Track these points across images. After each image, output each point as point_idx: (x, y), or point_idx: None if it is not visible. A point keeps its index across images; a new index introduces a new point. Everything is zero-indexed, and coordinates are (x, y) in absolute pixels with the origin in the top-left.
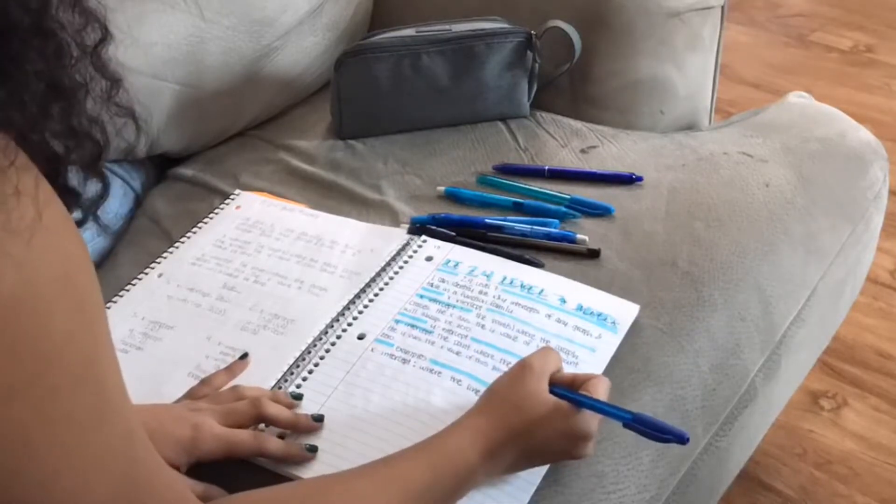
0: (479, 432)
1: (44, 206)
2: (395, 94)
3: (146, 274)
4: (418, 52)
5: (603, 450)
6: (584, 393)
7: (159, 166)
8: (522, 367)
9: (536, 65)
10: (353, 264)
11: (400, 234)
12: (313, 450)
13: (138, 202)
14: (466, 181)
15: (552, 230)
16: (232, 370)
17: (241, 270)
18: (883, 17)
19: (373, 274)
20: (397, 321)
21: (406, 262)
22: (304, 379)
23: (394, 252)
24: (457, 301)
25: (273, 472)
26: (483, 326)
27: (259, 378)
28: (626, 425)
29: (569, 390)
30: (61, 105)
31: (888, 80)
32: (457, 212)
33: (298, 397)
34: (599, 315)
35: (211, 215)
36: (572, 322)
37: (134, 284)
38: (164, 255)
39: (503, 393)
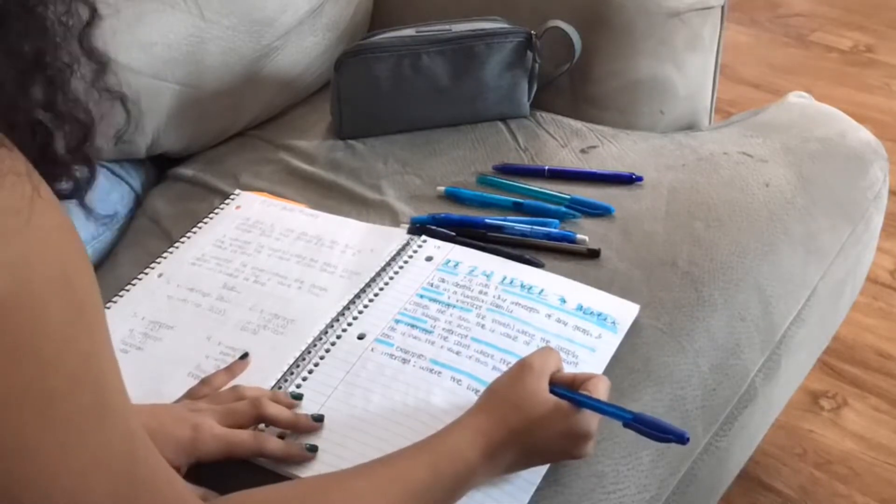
0: (478, 432)
1: (38, 207)
2: (395, 94)
3: (146, 274)
4: (418, 52)
5: (603, 450)
6: (584, 392)
7: (159, 166)
8: (522, 367)
9: (536, 65)
10: (353, 264)
11: (400, 234)
12: (313, 449)
13: (138, 202)
14: (466, 181)
15: (552, 230)
16: (232, 370)
17: (241, 270)
18: (883, 17)
19: (373, 274)
20: (397, 321)
21: (406, 262)
22: (304, 379)
23: (394, 252)
24: (457, 301)
25: (273, 471)
26: (483, 326)
27: (259, 378)
28: (626, 425)
29: (569, 390)
30: (45, 86)
31: (888, 80)
32: (457, 212)
33: (298, 397)
34: (599, 315)
35: (211, 215)
36: (572, 322)
37: (134, 284)
38: (164, 255)
39: (503, 392)
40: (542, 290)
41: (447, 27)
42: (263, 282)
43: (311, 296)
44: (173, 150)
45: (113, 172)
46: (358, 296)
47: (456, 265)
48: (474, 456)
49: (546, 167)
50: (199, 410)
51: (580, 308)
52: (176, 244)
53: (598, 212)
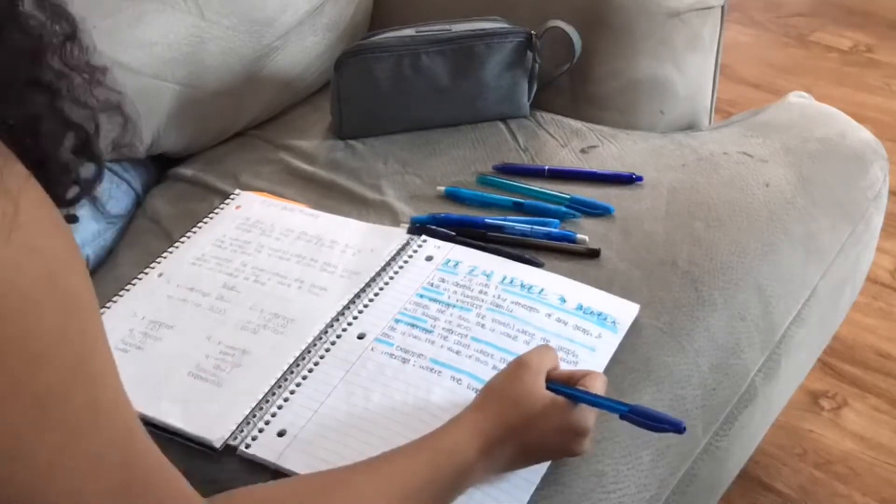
0: (476, 429)
1: (23, 205)
2: (395, 94)
3: (146, 274)
4: (418, 51)
5: (603, 449)
6: (580, 388)
7: (159, 166)
8: (519, 364)
9: (536, 65)
10: (353, 264)
11: (400, 234)
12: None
13: (138, 202)
14: (466, 181)
15: (552, 230)
16: None
17: (241, 270)
18: (883, 17)
19: (373, 273)
20: (397, 321)
21: (406, 261)
22: (304, 378)
23: (394, 252)
24: (457, 300)
25: (273, 469)
26: (483, 326)
27: (259, 377)
28: (622, 417)
29: (565, 386)
30: (44, 93)
31: (888, 80)
32: (457, 212)
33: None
34: (599, 314)
35: (211, 215)
36: (572, 321)
37: (134, 284)
38: (165, 254)
39: (500, 390)
40: (542, 290)
41: (447, 27)
42: (263, 281)
43: (311, 295)
44: (173, 151)
45: (113, 172)
46: (358, 295)
47: (456, 265)
48: (472, 453)
49: (546, 167)
50: None
51: (580, 307)
52: (176, 244)
53: (598, 212)
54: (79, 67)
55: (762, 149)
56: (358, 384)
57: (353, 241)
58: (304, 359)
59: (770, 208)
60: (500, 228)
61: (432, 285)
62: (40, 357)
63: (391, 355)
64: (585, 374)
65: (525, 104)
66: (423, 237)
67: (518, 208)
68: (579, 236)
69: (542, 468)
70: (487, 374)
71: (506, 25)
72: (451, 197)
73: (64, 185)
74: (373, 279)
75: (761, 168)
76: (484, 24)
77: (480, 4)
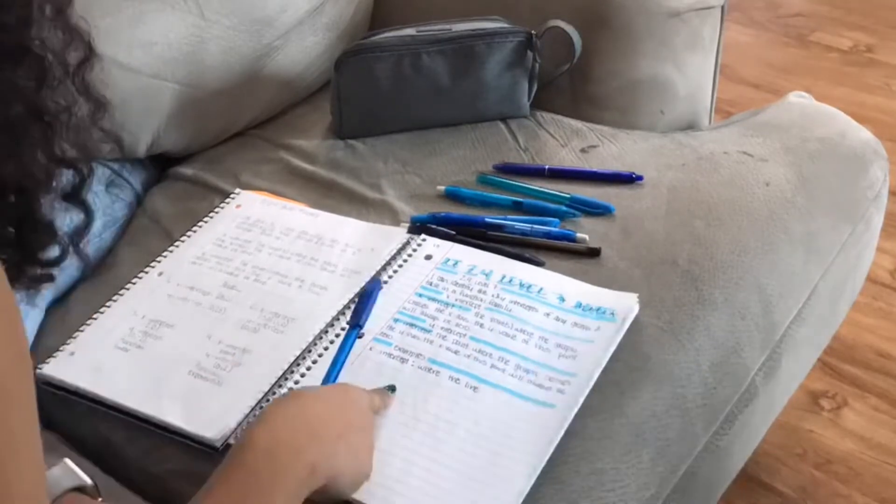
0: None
1: None
2: (395, 94)
3: (146, 273)
4: (419, 51)
5: (603, 448)
6: None
7: (159, 165)
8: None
9: (537, 64)
10: (353, 263)
11: (400, 234)
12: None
13: (138, 201)
14: (466, 181)
15: (552, 229)
16: None
17: (242, 269)
18: (883, 17)
19: (373, 273)
20: (396, 320)
21: (405, 260)
22: (303, 376)
23: (394, 251)
24: (455, 300)
25: None
26: (482, 325)
27: (259, 376)
28: None
29: None
30: (42, 130)
31: (888, 80)
32: (457, 211)
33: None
34: (598, 309)
35: (211, 214)
36: (571, 320)
37: (134, 283)
38: (165, 253)
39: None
40: (541, 289)
41: (447, 27)
42: (264, 280)
43: (312, 294)
44: (173, 150)
45: (113, 171)
46: (358, 294)
47: (455, 264)
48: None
49: (546, 166)
50: None
51: (579, 305)
52: (176, 243)
53: (598, 211)
54: (90, 95)
55: (762, 148)
56: (356, 384)
57: (354, 241)
58: (304, 358)
59: (770, 208)
60: (500, 228)
61: (431, 284)
62: None
63: (389, 355)
64: None
65: (525, 104)
66: (423, 236)
67: (518, 208)
68: (579, 235)
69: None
70: (486, 373)
71: (506, 25)
72: (452, 196)
73: (44, 243)
74: (373, 278)
75: (761, 168)
76: (484, 24)
77: (480, 4)
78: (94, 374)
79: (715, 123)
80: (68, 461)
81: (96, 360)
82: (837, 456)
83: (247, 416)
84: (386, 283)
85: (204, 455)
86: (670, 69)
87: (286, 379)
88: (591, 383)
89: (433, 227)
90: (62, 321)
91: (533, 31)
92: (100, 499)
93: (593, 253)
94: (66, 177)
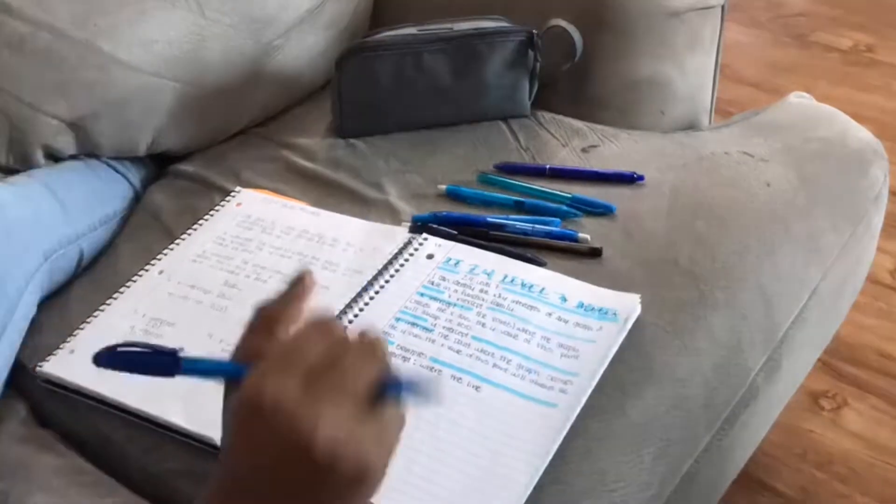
0: None
1: None
2: (396, 93)
3: (147, 271)
4: (420, 50)
5: (604, 447)
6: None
7: (158, 162)
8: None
9: (538, 64)
10: (354, 262)
11: (402, 233)
12: None
13: (136, 196)
14: (467, 180)
15: (553, 229)
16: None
17: (243, 268)
18: (883, 17)
19: (374, 272)
20: (398, 319)
21: (407, 259)
22: None
23: (395, 251)
24: (457, 299)
25: None
26: (483, 325)
27: None
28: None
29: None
30: None
31: (888, 80)
32: (458, 210)
33: None
34: (601, 310)
35: (212, 212)
36: (573, 319)
37: (135, 281)
38: (165, 251)
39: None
40: (542, 289)
41: (449, 26)
42: (265, 279)
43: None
44: (174, 149)
45: (111, 167)
46: (359, 294)
47: (457, 263)
48: None
49: (547, 166)
50: None
51: (581, 305)
52: (177, 241)
53: (599, 211)
54: None
55: (763, 148)
56: None
57: (355, 240)
58: None
59: (771, 208)
60: (501, 227)
61: (433, 284)
62: None
63: (391, 354)
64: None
65: (526, 103)
66: (425, 235)
67: (519, 207)
68: (581, 235)
69: (536, 473)
70: (487, 372)
71: (507, 24)
72: (452, 196)
73: None
74: (374, 278)
75: (762, 168)
76: (485, 23)
77: (482, 3)
78: (95, 373)
79: (715, 123)
80: None
81: None
82: (838, 456)
83: None
84: (388, 281)
85: (205, 454)
86: (670, 69)
87: None
88: (594, 383)
89: (435, 226)
90: (61, 319)
91: (534, 31)
92: None
93: (595, 253)
94: None
